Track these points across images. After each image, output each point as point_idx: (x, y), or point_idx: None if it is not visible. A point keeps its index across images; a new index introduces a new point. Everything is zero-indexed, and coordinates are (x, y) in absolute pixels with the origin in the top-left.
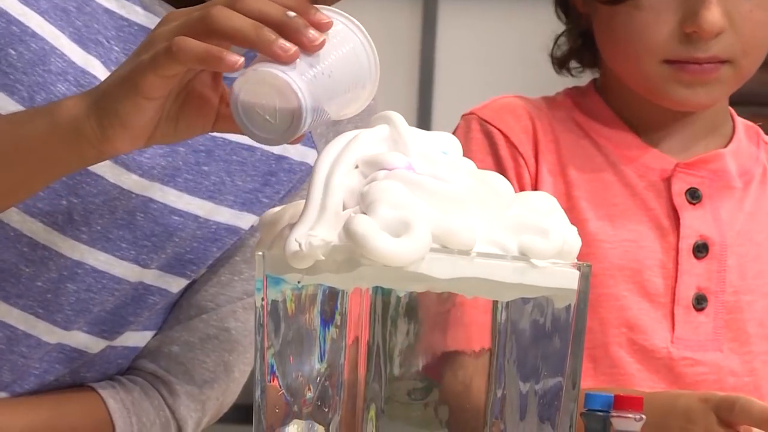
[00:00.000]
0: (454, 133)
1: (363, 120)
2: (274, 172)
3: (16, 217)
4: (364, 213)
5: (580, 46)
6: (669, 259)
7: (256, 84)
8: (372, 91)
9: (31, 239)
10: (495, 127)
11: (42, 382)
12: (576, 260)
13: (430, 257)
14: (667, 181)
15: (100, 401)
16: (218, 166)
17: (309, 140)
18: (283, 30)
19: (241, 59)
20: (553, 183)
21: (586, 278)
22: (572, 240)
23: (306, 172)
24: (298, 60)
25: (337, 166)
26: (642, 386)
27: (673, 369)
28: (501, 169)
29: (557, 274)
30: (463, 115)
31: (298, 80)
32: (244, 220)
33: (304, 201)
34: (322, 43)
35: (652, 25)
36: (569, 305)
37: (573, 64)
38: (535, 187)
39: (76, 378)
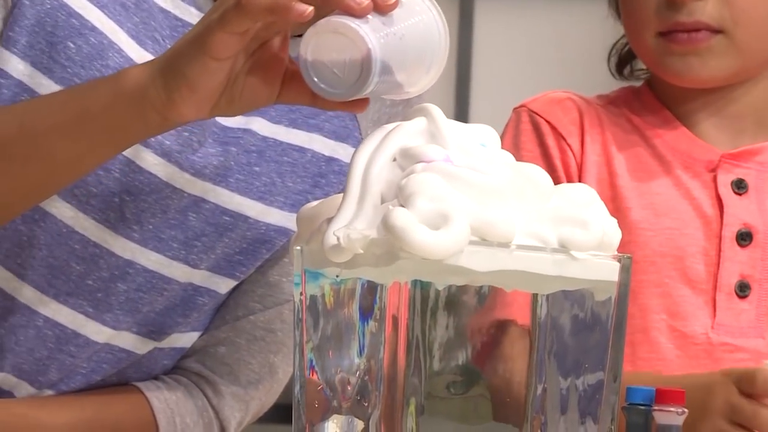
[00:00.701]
0: (505, 126)
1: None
2: (324, 174)
3: (69, 213)
4: (403, 206)
5: (630, 50)
6: (712, 246)
7: (327, 34)
8: (440, 69)
9: (82, 236)
10: (543, 118)
11: (88, 382)
12: (616, 252)
13: (469, 250)
14: (713, 172)
15: (144, 401)
16: (269, 167)
17: (359, 142)
18: None
19: (310, 8)
20: (598, 174)
21: (626, 270)
22: (612, 232)
23: None
24: (370, 17)
25: (374, 159)
26: (680, 371)
27: (712, 354)
28: (547, 157)
29: (597, 267)
30: (515, 108)
31: (370, 33)
32: (294, 221)
33: (341, 195)
34: (395, 4)
35: None
36: (610, 297)
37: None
38: (580, 176)
39: (122, 378)
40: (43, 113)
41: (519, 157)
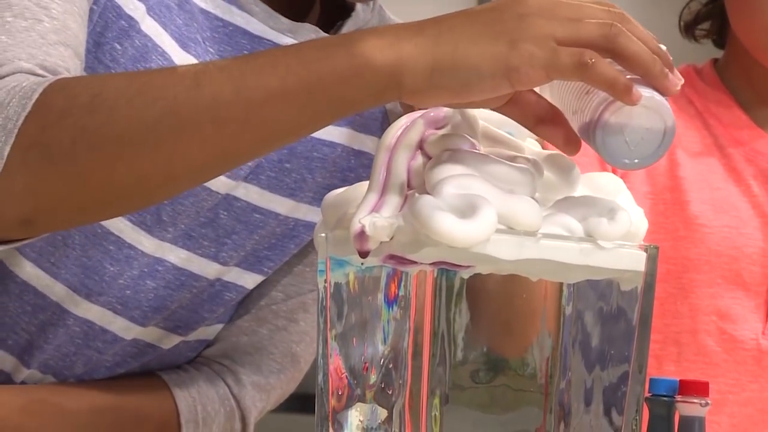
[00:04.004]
0: None
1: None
2: (352, 168)
3: None
4: (429, 194)
5: (710, 10)
6: None
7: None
8: None
9: (118, 238)
10: None
11: (111, 374)
12: (643, 242)
13: (496, 238)
14: None
15: (166, 389)
16: (299, 163)
17: None
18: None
19: (641, 94)
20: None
21: (653, 260)
22: (639, 221)
23: None
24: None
25: (400, 146)
26: (726, 377)
27: (760, 361)
28: None
29: (624, 256)
30: None
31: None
32: None
33: (367, 182)
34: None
35: None
36: (635, 288)
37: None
38: None
39: (144, 369)
40: (265, 78)
41: None
